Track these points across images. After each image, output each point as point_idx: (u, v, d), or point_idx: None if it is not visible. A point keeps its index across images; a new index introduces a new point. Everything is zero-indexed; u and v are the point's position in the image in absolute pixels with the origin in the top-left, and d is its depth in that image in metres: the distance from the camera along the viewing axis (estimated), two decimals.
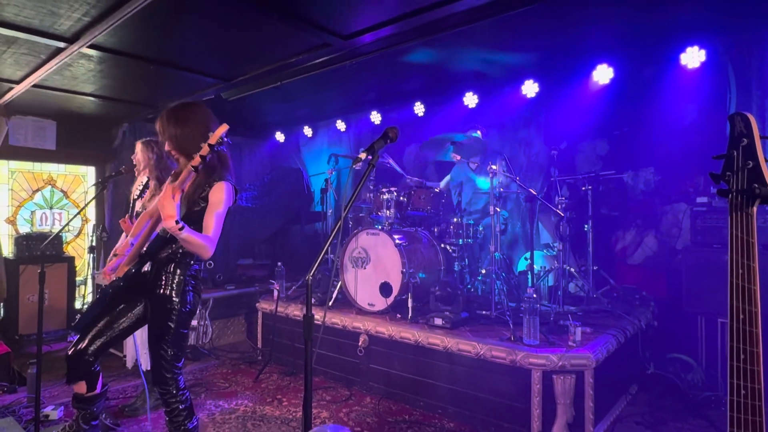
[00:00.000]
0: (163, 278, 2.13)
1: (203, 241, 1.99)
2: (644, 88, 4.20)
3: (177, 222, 1.89)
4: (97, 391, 2.29)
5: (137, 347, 3.15)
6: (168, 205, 1.90)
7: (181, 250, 2.14)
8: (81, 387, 2.23)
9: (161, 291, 2.12)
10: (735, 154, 1.13)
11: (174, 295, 2.12)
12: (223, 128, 1.99)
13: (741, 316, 1.10)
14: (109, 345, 2.22)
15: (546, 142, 4.80)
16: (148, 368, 2.41)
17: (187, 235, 1.93)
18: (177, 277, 2.14)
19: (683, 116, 4.05)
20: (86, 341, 2.16)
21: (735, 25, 3.55)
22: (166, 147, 2.21)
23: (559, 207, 3.85)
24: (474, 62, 4.25)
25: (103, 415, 2.88)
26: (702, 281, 3.43)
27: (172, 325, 2.11)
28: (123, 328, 2.22)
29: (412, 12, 3.04)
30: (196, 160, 1.96)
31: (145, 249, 2.16)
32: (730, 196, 1.13)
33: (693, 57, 3.70)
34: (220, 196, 2.08)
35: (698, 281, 3.46)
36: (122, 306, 2.23)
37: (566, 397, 2.79)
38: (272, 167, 7.11)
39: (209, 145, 1.95)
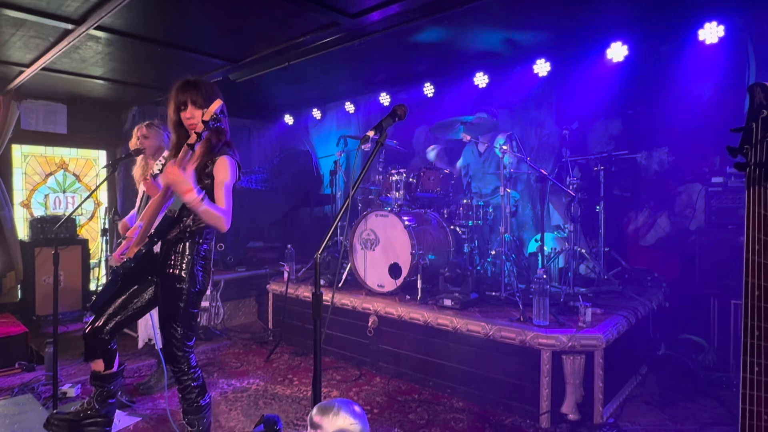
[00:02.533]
0: (173, 258, 2.15)
1: (220, 213, 2.04)
2: (659, 66, 4.10)
3: (197, 193, 1.92)
4: (114, 369, 2.33)
5: (154, 326, 3.19)
6: (182, 182, 1.93)
7: (189, 230, 2.16)
8: (98, 365, 2.27)
9: (171, 270, 2.14)
10: (754, 126, 1.10)
11: (183, 274, 2.14)
12: (217, 104, 2.00)
13: (756, 293, 1.08)
14: (124, 324, 2.25)
15: (558, 123, 4.72)
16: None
17: (207, 207, 1.97)
18: (186, 256, 2.15)
19: (699, 94, 3.95)
20: (102, 320, 2.19)
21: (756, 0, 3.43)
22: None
23: (571, 188, 3.80)
24: (484, 41, 4.16)
25: (119, 393, 2.95)
26: (716, 262, 3.40)
27: (182, 305, 2.13)
28: (137, 308, 2.25)
29: None
30: (192, 137, 1.98)
31: (153, 229, 2.17)
32: (747, 169, 1.10)
33: (711, 33, 3.60)
34: (224, 170, 2.11)
35: (712, 262, 3.43)
36: (136, 286, 2.25)
37: (576, 377, 2.80)
38: (281, 150, 7.10)
39: (203, 122, 1.96)
